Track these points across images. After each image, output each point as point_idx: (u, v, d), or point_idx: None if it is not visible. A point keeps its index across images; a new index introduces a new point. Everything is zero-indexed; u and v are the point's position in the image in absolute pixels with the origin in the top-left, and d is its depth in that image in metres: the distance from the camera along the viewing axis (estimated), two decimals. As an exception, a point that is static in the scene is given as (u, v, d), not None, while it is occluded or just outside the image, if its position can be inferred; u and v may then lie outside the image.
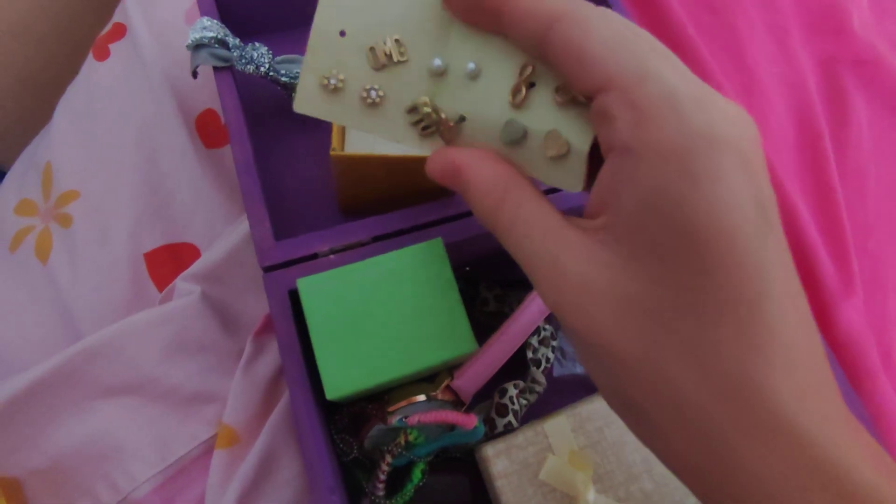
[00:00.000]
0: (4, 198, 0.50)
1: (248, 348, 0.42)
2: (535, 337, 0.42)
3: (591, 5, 0.20)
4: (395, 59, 0.23)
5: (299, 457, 0.40)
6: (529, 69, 0.22)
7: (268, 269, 0.36)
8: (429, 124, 0.23)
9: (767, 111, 0.58)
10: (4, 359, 0.43)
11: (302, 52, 0.24)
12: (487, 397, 0.41)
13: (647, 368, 0.18)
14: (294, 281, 0.34)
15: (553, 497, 0.37)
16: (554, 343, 0.43)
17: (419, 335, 0.32)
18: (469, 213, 0.39)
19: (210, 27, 0.41)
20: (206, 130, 0.50)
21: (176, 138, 0.49)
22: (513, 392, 0.40)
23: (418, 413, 0.34)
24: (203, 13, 0.43)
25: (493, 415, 0.40)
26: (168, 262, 0.46)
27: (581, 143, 0.22)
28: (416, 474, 0.37)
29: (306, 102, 0.24)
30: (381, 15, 0.23)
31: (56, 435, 0.39)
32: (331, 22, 0.23)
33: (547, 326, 0.42)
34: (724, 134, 0.18)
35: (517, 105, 0.23)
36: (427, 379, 0.37)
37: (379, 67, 0.23)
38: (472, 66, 0.23)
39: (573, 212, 0.40)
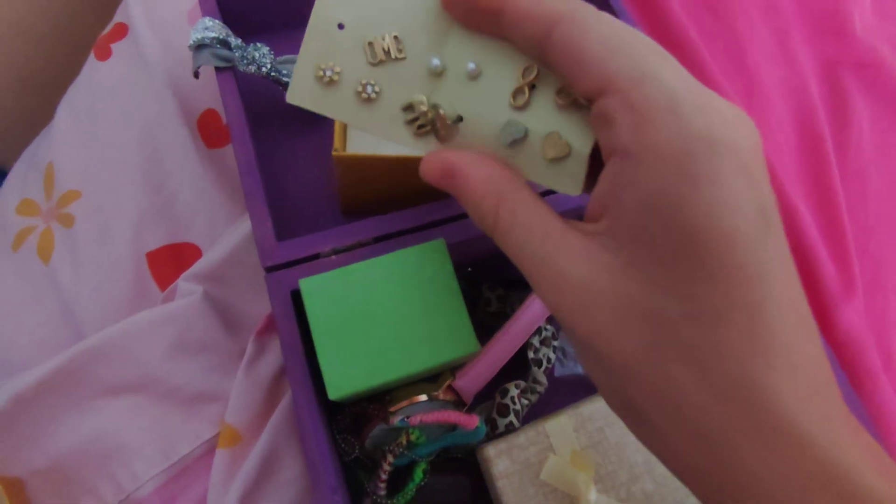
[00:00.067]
0: (6, 198, 0.50)
1: (249, 348, 0.42)
2: (537, 337, 0.42)
3: (591, 7, 0.20)
4: (394, 56, 0.23)
5: (301, 456, 0.40)
6: (533, 71, 0.22)
7: (270, 270, 0.36)
8: (424, 123, 0.23)
9: (768, 113, 0.58)
10: (7, 358, 0.44)
11: (304, 52, 0.24)
12: (489, 397, 0.41)
13: (647, 370, 0.19)
14: (296, 281, 0.34)
15: (554, 497, 0.37)
16: (555, 343, 0.43)
17: (421, 335, 0.32)
18: (471, 214, 0.39)
19: (212, 27, 0.41)
20: (208, 130, 0.50)
21: (178, 138, 0.49)
22: (514, 392, 0.40)
23: (420, 413, 0.35)
24: (205, 13, 0.43)
25: (495, 415, 0.40)
26: (170, 261, 0.46)
27: (582, 145, 0.22)
28: (418, 474, 0.37)
29: (300, 93, 0.23)
30: (381, 10, 0.23)
31: (58, 434, 0.39)
32: (330, 13, 0.23)
33: (548, 327, 0.42)
34: (723, 137, 0.18)
35: (519, 107, 0.23)
36: (429, 379, 0.37)
37: (376, 63, 0.23)
38: (472, 66, 0.22)
39: (569, 214, 0.40)
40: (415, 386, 0.36)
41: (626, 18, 0.47)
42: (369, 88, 0.23)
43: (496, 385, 0.40)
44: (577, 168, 0.23)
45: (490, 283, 0.44)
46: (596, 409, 0.39)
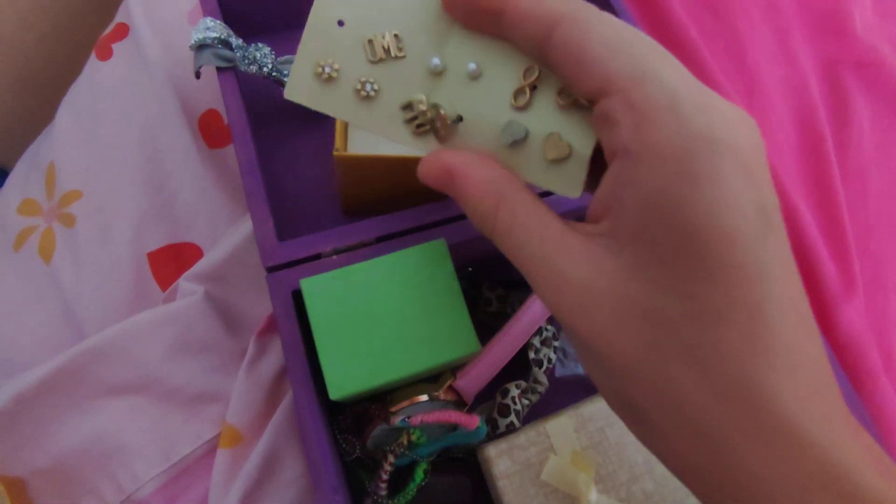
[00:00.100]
0: (7, 197, 0.50)
1: (251, 348, 0.42)
2: (537, 337, 0.42)
3: (592, 7, 0.20)
4: (393, 55, 0.23)
5: (302, 456, 0.40)
6: (535, 72, 0.22)
7: (271, 270, 0.36)
8: (423, 122, 0.23)
9: (769, 113, 0.58)
10: (8, 358, 0.44)
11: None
12: (489, 397, 0.41)
13: (647, 369, 0.19)
14: (297, 281, 0.34)
15: (555, 497, 0.37)
16: (556, 343, 0.43)
17: (422, 336, 0.32)
18: (472, 214, 0.39)
19: (213, 27, 0.41)
20: (209, 130, 0.50)
21: (179, 138, 0.49)
22: (515, 392, 0.40)
23: (421, 413, 0.35)
24: (206, 13, 0.43)
25: (496, 415, 0.40)
26: (171, 261, 0.46)
27: (583, 147, 0.22)
28: (419, 474, 0.37)
29: (298, 90, 0.23)
30: (381, 8, 0.23)
31: (60, 434, 0.39)
32: (330, 10, 0.23)
33: (549, 327, 0.42)
34: (724, 136, 0.18)
35: (520, 107, 0.23)
36: (430, 379, 0.37)
37: (376, 61, 0.23)
38: (473, 66, 0.22)
39: (568, 214, 0.40)
40: (416, 386, 0.36)
41: (627, 18, 0.47)
42: (368, 86, 0.23)
43: (497, 385, 0.40)
44: (578, 170, 0.22)
45: (490, 283, 0.44)
46: (596, 409, 0.39)
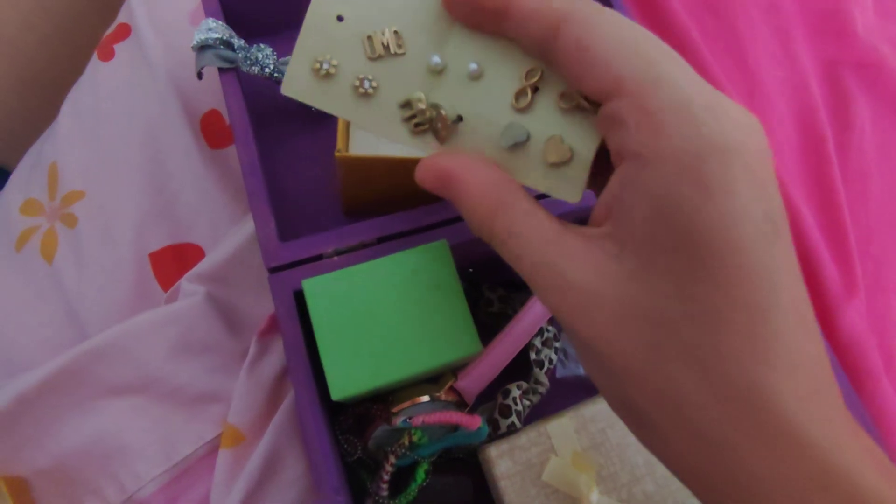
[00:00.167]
0: (10, 198, 0.50)
1: (252, 348, 0.42)
2: (539, 338, 0.42)
3: (597, 5, 0.20)
4: (393, 52, 0.22)
5: (304, 456, 0.40)
6: (537, 74, 0.22)
7: (273, 270, 0.36)
8: (422, 121, 0.23)
9: (770, 114, 0.58)
10: (10, 358, 0.44)
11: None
12: (490, 398, 0.41)
13: (648, 370, 0.19)
14: (299, 282, 0.34)
15: (556, 498, 0.37)
16: (557, 344, 0.43)
17: (424, 336, 0.32)
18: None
19: (215, 28, 0.41)
20: (211, 131, 0.50)
21: (180, 139, 0.49)
22: (516, 393, 0.40)
23: (422, 414, 0.35)
24: (208, 14, 0.43)
25: (497, 416, 0.40)
26: (173, 262, 0.46)
27: (585, 150, 0.22)
28: (420, 475, 0.37)
29: (295, 85, 0.23)
30: (381, 4, 0.22)
31: (62, 434, 0.39)
32: (329, 5, 0.22)
33: (550, 328, 0.42)
34: (736, 143, 0.18)
35: (521, 109, 0.22)
36: (431, 380, 0.37)
37: (375, 58, 0.22)
38: (474, 66, 0.22)
39: (566, 216, 0.40)
40: (417, 387, 0.36)
41: (628, 18, 0.47)
42: (366, 83, 0.23)
43: (498, 386, 0.40)
44: (579, 174, 0.22)
45: (491, 284, 0.44)
46: (597, 410, 0.39)
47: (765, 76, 0.60)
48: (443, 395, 0.36)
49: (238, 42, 0.42)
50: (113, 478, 0.39)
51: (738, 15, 0.62)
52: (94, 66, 0.53)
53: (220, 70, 0.41)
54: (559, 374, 0.44)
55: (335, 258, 0.36)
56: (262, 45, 0.44)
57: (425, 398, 0.36)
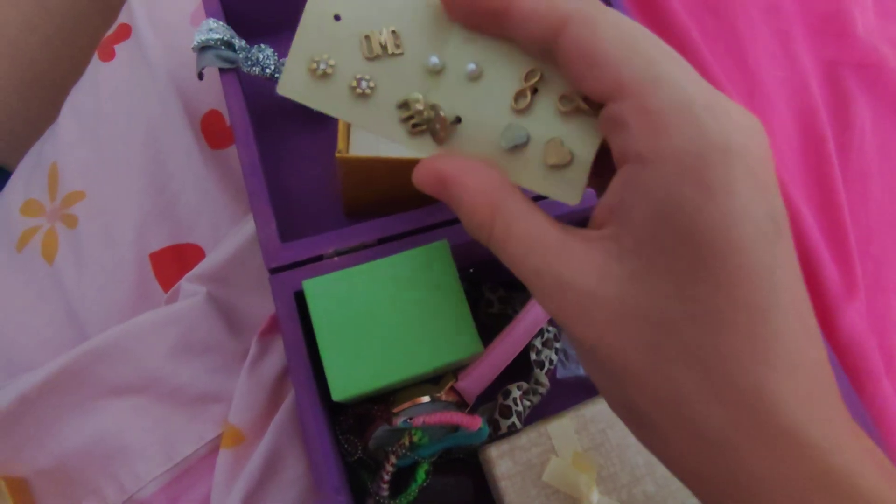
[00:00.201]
0: (10, 198, 0.51)
1: (252, 349, 0.42)
2: (539, 339, 0.42)
3: (600, 5, 0.20)
4: (391, 52, 0.22)
5: (304, 456, 0.40)
6: (537, 75, 0.22)
7: (274, 271, 0.36)
8: (420, 122, 0.23)
9: (770, 114, 0.58)
10: (11, 359, 0.44)
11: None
12: (491, 399, 0.41)
13: (649, 371, 0.19)
14: (300, 282, 0.34)
15: (556, 498, 0.37)
16: (557, 345, 0.43)
17: (424, 337, 0.32)
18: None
19: (216, 29, 0.42)
20: (211, 131, 0.50)
21: (181, 139, 0.49)
22: (516, 394, 0.40)
23: (423, 414, 0.35)
24: (209, 15, 0.43)
25: (497, 416, 0.40)
26: (173, 262, 0.46)
27: (585, 153, 0.22)
28: (420, 475, 0.37)
29: (291, 85, 0.23)
30: (379, 3, 0.22)
31: (62, 435, 0.39)
32: (326, 4, 0.22)
33: (550, 328, 0.42)
34: (737, 144, 0.18)
35: (520, 111, 0.22)
36: (432, 380, 0.37)
37: (372, 57, 0.22)
38: (472, 67, 0.22)
39: (564, 217, 0.40)
40: (418, 387, 0.36)
41: (628, 17, 0.47)
42: (363, 83, 0.22)
43: (498, 386, 0.40)
44: (578, 177, 0.22)
45: (492, 285, 0.44)
46: (598, 410, 0.39)
47: (765, 76, 0.60)
48: (443, 395, 0.36)
49: (239, 42, 0.42)
50: (113, 478, 0.39)
51: (738, 15, 0.62)
52: (95, 66, 0.54)
53: (221, 70, 0.41)
54: (560, 374, 0.44)
55: (336, 259, 0.37)
56: (262, 46, 0.44)
57: (426, 399, 0.36)
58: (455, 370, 0.38)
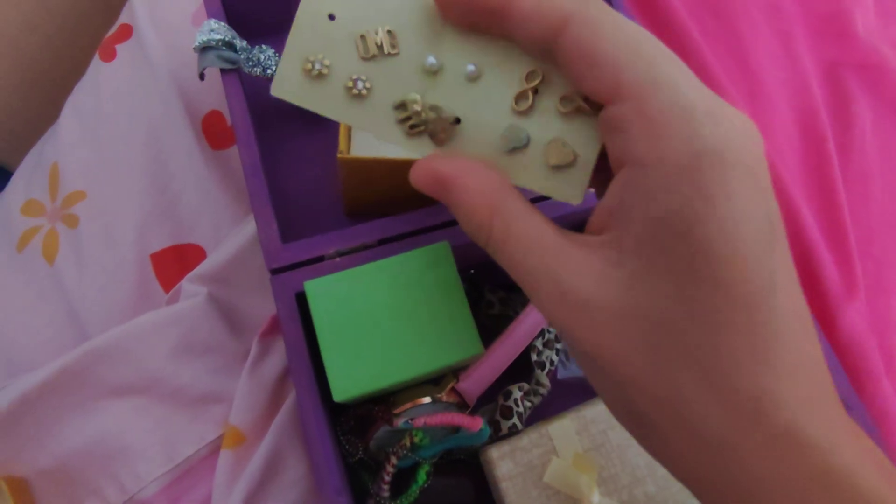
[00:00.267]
0: (11, 198, 0.51)
1: (253, 349, 0.42)
2: (540, 339, 0.42)
3: (602, 5, 0.20)
4: (387, 52, 0.22)
5: (305, 457, 0.40)
6: (538, 76, 0.22)
7: (275, 272, 0.36)
8: (417, 123, 0.22)
9: (771, 115, 0.58)
10: (11, 359, 0.44)
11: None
12: (492, 400, 0.41)
13: (650, 374, 0.19)
14: (301, 283, 0.34)
15: (557, 499, 0.37)
16: (558, 346, 0.43)
17: (425, 338, 0.32)
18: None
19: (217, 29, 0.42)
20: (213, 132, 0.50)
21: (182, 140, 0.49)
22: (517, 394, 0.40)
23: (424, 415, 0.35)
24: (210, 15, 0.43)
25: (498, 417, 0.40)
26: (174, 263, 0.46)
27: (587, 152, 0.22)
28: (421, 476, 0.37)
29: (286, 86, 0.22)
30: (374, 3, 0.22)
31: (63, 435, 0.39)
32: (320, 3, 0.22)
33: (551, 329, 0.42)
34: (736, 149, 0.18)
35: (521, 112, 0.22)
36: (432, 381, 0.37)
37: (368, 58, 0.22)
38: (471, 67, 0.22)
39: (559, 220, 0.40)
40: (419, 388, 0.36)
41: (629, 18, 0.47)
42: (359, 84, 0.22)
43: (499, 387, 0.40)
44: (580, 177, 0.22)
45: (492, 286, 0.44)
46: (599, 411, 0.39)
47: (766, 77, 0.60)
48: (444, 396, 0.36)
49: (240, 43, 0.42)
50: (114, 478, 0.39)
51: (739, 16, 0.62)
52: (96, 66, 0.54)
53: (222, 71, 0.41)
54: (560, 375, 0.44)
55: (337, 259, 0.37)
56: (264, 47, 0.44)
57: (427, 399, 0.36)
58: (456, 371, 0.38)
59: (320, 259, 0.37)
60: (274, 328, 0.43)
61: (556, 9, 0.19)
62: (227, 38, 0.41)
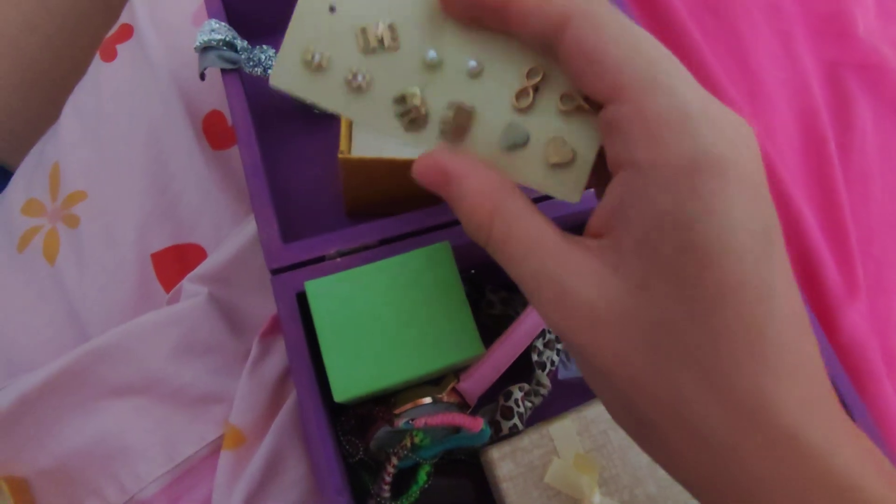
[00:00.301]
0: (12, 198, 0.51)
1: (254, 349, 0.42)
2: (540, 340, 0.42)
3: (605, 3, 0.20)
4: (387, 46, 0.22)
5: (306, 457, 0.40)
6: (539, 73, 0.21)
7: (276, 272, 0.36)
8: (416, 117, 0.22)
9: (772, 115, 0.58)
10: (12, 359, 0.44)
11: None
12: (492, 400, 0.41)
13: (650, 374, 0.19)
14: (302, 283, 0.34)
15: (558, 500, 0.37)
16: (559, 346, 0.43)
17: (426, 338, 0.32)
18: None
19: (218, 29, 0.42)
20: (213, 132, 0.50)
21: (183, 139, 0.49)
22: (518, 395, 0.40)
23: (424, 415, 0.35)
24: (210, 15, 0.43)
25: (499, 417, 0.40)
26: (175, 263, 0.46)
27: (587, 151, 0.22)
28: (422, 476, 0.37)
29: (285, 76, 0.22)
30: None
31: (63, 435, 0.39)
32: None
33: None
34: (731, 153, 0.18)
35: (522, 109, 0.22)
36: (433, 381, 0.37)
37: (369, 51, 0.22)
38: (473, 63, 0.22)
39: (562, 220, 0.40)
40: (419, 388, 0.36)
41: (629, 18, 0.47)
42: (359, 77, 0.22)
43: (500, 388, 0.40)
44: (580, 175, 0.22)
45: (493, 286, 0.44)
46: (600, 412, 0.39)
47: (766, 77, 0.60)
48: (445, 396, 0.36)
49: (241, 43, 0.42)
50: (114, 478, 0.39)
51: (739, 16, 0.62)
52: (97, 66, 0.54)
53: (223, 71, 0.41)
54: (561, 375, 0.44)
55: (338, 260, 0.36)
56: (265, 47, 0.44)
57: (427, 400, 0.36)
58: (456, 371, 0.38)
59: (321, 259, 0.36)
60: (274, 328, 0.43)
61: (558, 5, 0.19)
62: (227, 38, 0.41)
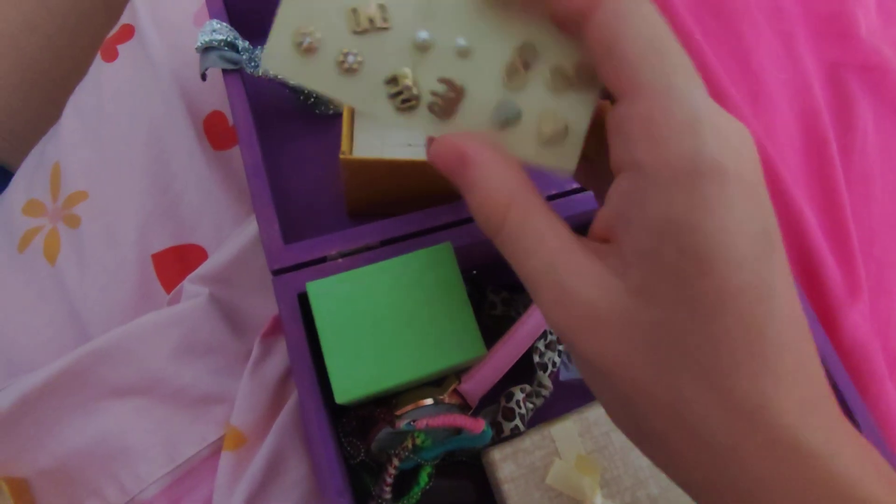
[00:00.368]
0: (12, 198, 0.50)
1: (255, 350, 0.42)
2: (542, 341, 0.42)
3: None
4: (378, 26, 0.22)
5: (307, 458, 0.40)
6: (528, 50, 0.21)
7: (277, 272, 0.36)
8: (408, 97, 0.22)
9: (774, 116, 0.58)
10: (12, 359, 0.44)
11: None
12: (494, 401, 0.41)
13: (651, 376, 0.19)
14: (303, 284, 0.34)
15: (559, 501, 0.37)
16: (560, 347, 0.43)
17: (428, 339, 0.32)
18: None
19: (219, 30, 0.41)
20: (214, 132, 0.50)
21: (184, 140, 0.49)
22: (519, 396, 0.40)
23: (426, 417, 0.35)
24: (212, 15, 0.43)
25: (500, 419, 0.40)
26: (176, 263, 0.46)
27: (579, 121, 0.22)
28: (423, 478, 0.37)
29: (276, 60, 0.22)
30: None
31: (64, 435, 0.39)
32: None
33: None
34: (733, 159, 0.18)
35: (513, 85, 0.22)
36: (434, 382, 0.37)
37: (360, 31, 0.22)
38: (462, 42, 0.22)
39: (570, 219, 0.40)
40: (421, 389, 0.36)
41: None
42: (351, 58, 0.22)
43: (501, 389, 0.40)
44: (573, 146, 0.22)
45: (495, 287, 0.44)
46: (601, 413, 0.39)
47: (768, 78, 0.60)
48: (446, 398, 0.36)
49: (242, 43, 0.42)
50: (115, 479, 0.39)
51: (741, 17, 0.62)
52: (98, 66, 0.53)
53: (224, 71, 0.41)
54: (563, 377, 0.44)
55: (339, 260, 0.36)
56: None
57: (429, 401, 0.36)
58: (458, 372, 0.37)
59: (322, 260, 0.36)
60: (276, 329, 0.42)
61: None
62: (229, 39, 0.41)
